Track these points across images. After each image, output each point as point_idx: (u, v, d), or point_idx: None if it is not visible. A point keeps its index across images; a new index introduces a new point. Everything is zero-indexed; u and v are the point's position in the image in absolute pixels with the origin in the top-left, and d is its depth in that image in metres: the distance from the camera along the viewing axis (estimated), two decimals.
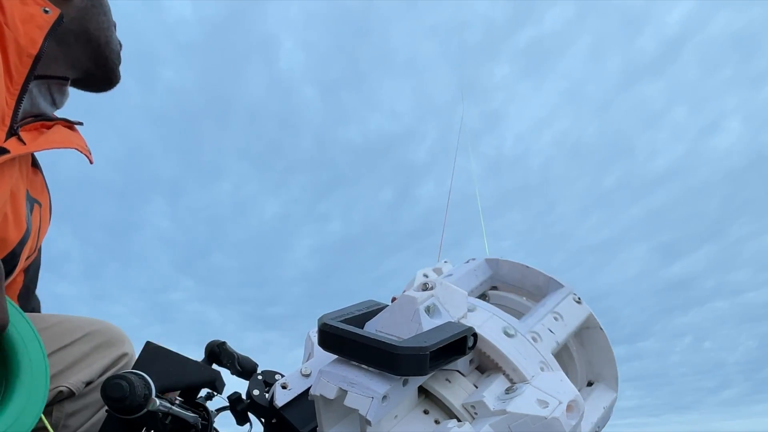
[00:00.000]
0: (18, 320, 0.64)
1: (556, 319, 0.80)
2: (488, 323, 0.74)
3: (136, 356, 0.83)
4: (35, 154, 1.01)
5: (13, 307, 0.64)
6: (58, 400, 0.93)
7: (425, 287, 0.72)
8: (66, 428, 0.96)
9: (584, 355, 0.89)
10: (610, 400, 0.84)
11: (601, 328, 0.86)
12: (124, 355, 1.05)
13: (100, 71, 1.06)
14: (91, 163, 1.04)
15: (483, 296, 0.95)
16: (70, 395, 0.94)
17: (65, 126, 1.00)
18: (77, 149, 0.98)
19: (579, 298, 0.86)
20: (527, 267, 0.93)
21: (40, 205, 0.99)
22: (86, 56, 1.01)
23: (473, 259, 0.98)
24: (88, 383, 0.98)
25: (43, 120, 0.96)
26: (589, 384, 0.88)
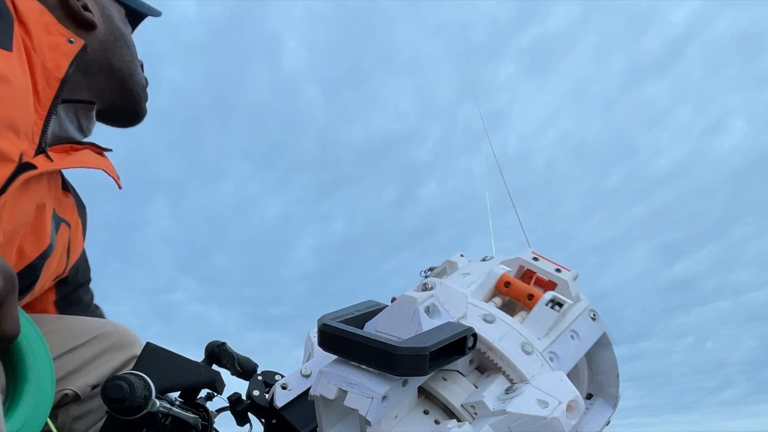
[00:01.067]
0: (26, 327, 0.65)
1: (572, 337, 0.79)
2: (507, 338, 0.74)
3: None
4: (66, 177, 1.03)
5: (22, 315, 0.65)
6: (63, 403, 0.93)
7: (425, 287, 0.72)
8: None
9: (590, 368, 0.89)
10: (606, 416, 0.84)
11: (612, 348, 0.85)
12: (135, 357, 1.04)
13: (125, 103, 1.08)
14: (119, 188, 1.06)
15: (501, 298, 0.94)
16: (76, 399, 0.94)
17: (94, 151, 1.02)
18: (105, 171, 1.00)
19: (595, 315, 0.85)
20: (544, 270, 0.92)
21: (68, 225, 1.00)
22: (110, 87, 1.03)
23: (490, 258, 0.97)
24: (95, 386, 0.97)
25: (72, 143, 0.98)
26: (589, 396, 0.88)
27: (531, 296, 0.80)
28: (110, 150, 1.08)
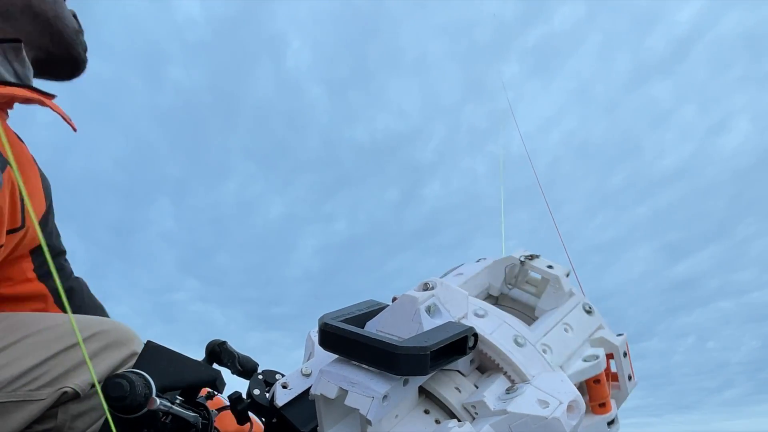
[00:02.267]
0: None
1: (566, 330, 0.79)
2: (498, 331, 0.73)
3: None
4: (20, 134, 0.99)
5: None
6: (62, 401, 0.92)
7: (426, 287, 0.72)
8: (72, 430, 0.95)
9: (533, 293, 0.89)
10: (572, 300, 0.84)
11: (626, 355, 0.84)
12: (134, 354, 1.02)
13: (58, 49, 1.05)
14: (74, 130, 1.02)
15: (494, 298, 0.94)
16: (75, 396, 0.93)
17: (39, 94, 0.98)
18: (54, 109, 0.96)
19: (590, 307, 0.85)
20: (546, 271, 0.92)
21: (11, 167, 0.95)
22: (37, 31, 1.01)
23: (483, 259, 0.97)
24: (94, 385, 0.96)
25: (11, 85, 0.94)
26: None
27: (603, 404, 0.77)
28: (54, 96, 1.04)
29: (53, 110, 0.96)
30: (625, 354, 0.82)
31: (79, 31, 1.11)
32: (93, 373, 0.83)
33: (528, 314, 0.89)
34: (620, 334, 0.84)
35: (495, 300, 0.94)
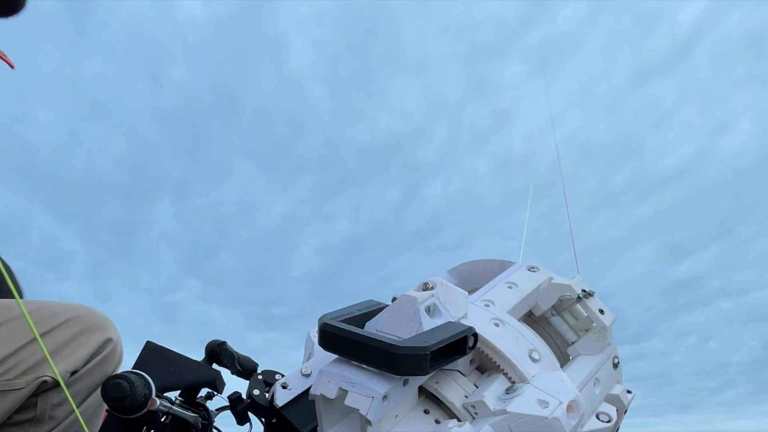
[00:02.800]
0: None
1: (510, 287, 0.80)
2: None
3: (122, 341, 0.80)
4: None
5: None
6: (42, 390, 0.90)
7: (425, 287, 0.72)
8: (52, 419, 0.93)
9: (572, 326, 0.89)
10: (606, 351, 0.84)
11: (567, 284, 0.85)
12: (109, 340, 0.98)
13: None
14: (11, 67, 0.96)
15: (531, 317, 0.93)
16: (55, 386, 0.91)
17: None
18: None
19: (534, 267, 0.85)
20: (483, 260, 0.94)
21: None
22: None
23: (535, 269, 0.94)
24: (73, 372, 0.95)
25: None
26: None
27: None
28: None
29: None
30: (625, 411, 0.83)
31: None
32: (55, 368, 0.80)
33: (560, 345, 0.88)
34: (629, 391, 0.85)
35: (532, 319, 0.92)
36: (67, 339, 0.93)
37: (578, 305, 0.85)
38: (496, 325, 0.74)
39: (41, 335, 0.89)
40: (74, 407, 0.73)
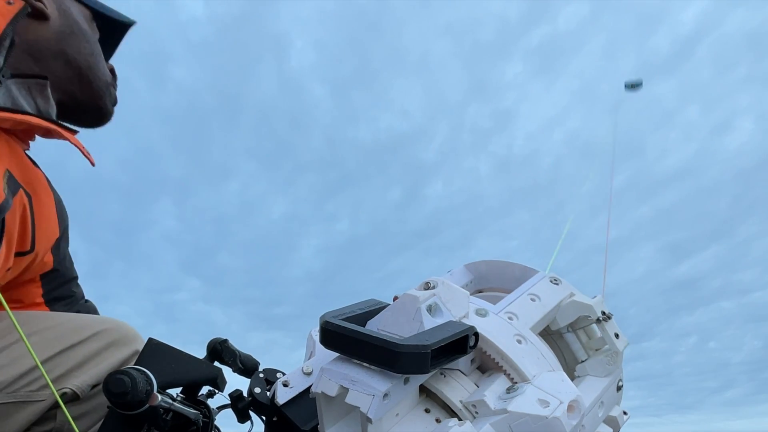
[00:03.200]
0: None
1: (533, 300, 0.79)
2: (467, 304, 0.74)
3: None
4: (34, 158, 1.00)
5: None
6: (63, 402, 0.91)
7: (427, 286, 0.72)
8: None
9: (585, 345, 0.88)
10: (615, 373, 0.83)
11: (587, 305, 0.84)
12: (135, 353, 1.00)
13: (86, 97, 1.06)
14: (92, 164, 1.03)
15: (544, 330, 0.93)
16: (75, 398, 0.92)
17: (62, 128, 0.99)
18: (76, 145, 0.96)
19: (557, 280, 0.85)
20: (504, 262, 0.93)
21: (29, 196, 0.93)
22: (67, 76, 1.01)
23: (557, 282, 0.93)
24: (95, 386, 0.95)
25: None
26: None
27: None
28: (77, 131, 1.05)
29: (73, 143, 0.96)
30: None
31: (112, 85, 1.12)
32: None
33: (569, 362, 0.88)
34: (626, 412, 0.85)
35: (546, 332, 0.91)
36: (95, 352, 0.95)
37: (595, 325, 0.84)
38: (519, 342, 0.73)
39: (69, 347, 0.92)
40: (72, 423, 0.74)
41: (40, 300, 1.04)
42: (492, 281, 0.95)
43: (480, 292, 0.98)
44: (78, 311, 1.16)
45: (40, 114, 0.99)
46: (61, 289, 1.10)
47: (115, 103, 1.14)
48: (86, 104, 1.08)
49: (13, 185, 0.85)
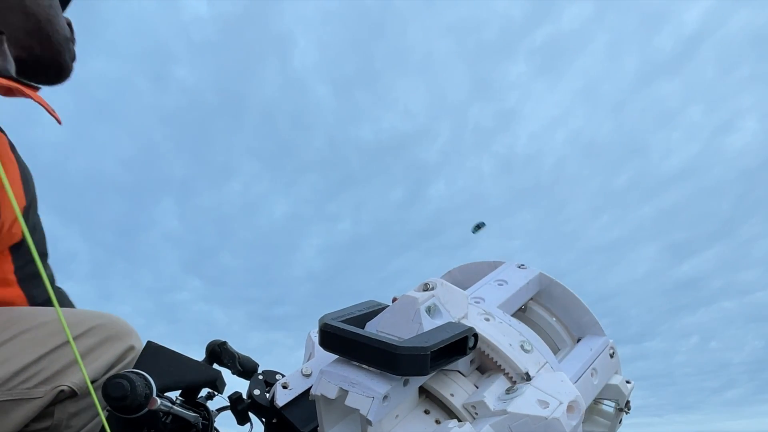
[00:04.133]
0: None
1: (500, 284, 0.81)
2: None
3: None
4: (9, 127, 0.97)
5: None
6: (59, 399, 0.91)
7: (426, 287, 0.72)
8: (69, 428, 0.93)
9: (561, 316, 0.89)
10: (599, 342, 0.84)
11: (559, 282, 0.87)
12: (131, 348, 1.00)
13: (45, 52, 1.02)
14: (59, 122, 0.98)
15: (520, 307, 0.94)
16: (73, 395, 0.92)
17: (23, 85, 0.94)
18: (36, 101, 0.92)
19: (523, 265, 0.86)
20: (475, 263, 0.94)
21: None
22: (25, 30, 0.97)
23: (524, 267, 0.95)
24: (92, 381, 0.94)
25: None
26: (579, 341, 0.88)
27: None
28: (38, 88, 1.02)
29: (36, 101, 0.92)
30: (627, 404, 0.85)
31: (70, 39, 1.07)
32: (86, 376, 0.82)
33: (548, 333, 0.90)
34: (629, 381, 0.86)
35: (524, 309, 0.94)
36: (90, 347, 0.94)
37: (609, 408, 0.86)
38: (486, 319, 0.74)
39: (64, 344, 0.90)
40: (100, 411, 0.73)
41: (12, 278, 0.99)
42: (467, 285, 0.95)
43: (536, 303, 0.97)
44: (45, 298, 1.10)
45: None
46: (33, 266, 1.02)
47: (74, 58, 1.09)
48: (45, 59, 1.03)
49: None
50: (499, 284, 0.82)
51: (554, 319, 0.90)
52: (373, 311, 0.74)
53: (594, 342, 0.84)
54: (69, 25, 1.08)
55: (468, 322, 0.70)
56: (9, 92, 0.91)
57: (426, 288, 0.72)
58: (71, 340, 0.73)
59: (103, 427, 0.73)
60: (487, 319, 0.74)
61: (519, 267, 0.86)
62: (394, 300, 0.76)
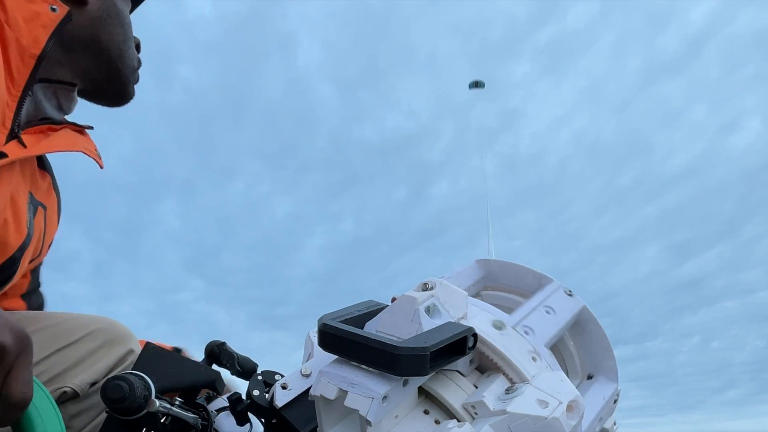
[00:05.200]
0: (38, 395, 0.58)
1: (548, 312, 0.79)
2: (477, 318, 0.73)
3: None
4: (46, 156, 1.00)
5: (35, 384, 0.58)
6: (61, 401, 0.92)
7: (425, 287, 0.72)
8: (70, 429, 0.94)
9: (582, 349, 0.88)
10: (611, 390, 0.83)
11: (597, 321, 0.85)
12: (130, 352, 1.03)
13: (111, 85, 1.04)
14: (101, 167, 1.02)
15: (476, 296, 0.93)
16: (74, 396, 0.93)
17: (74, 130, 0.98)
18: (84, 152, 0.96)
19: (570, 291, 0.84)
20: (517, 265, 0.91)
21: (44, 208, 0.96)
22: (96, 68, 0.98)
23: (570, 294, 0.94)
24: (93, 384, 0.96)
25: (50, 123, 0.93)
26: (590, 377, 0.87)
27: None
28: (91, 128, 1.04)
29: (85, 154, 0.96)
30: None
31: (136, 68, 1.08)
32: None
33: (512, 308, 0.87)
34: (615, 423, 0.85)
35: (478, 298, 0.92)
36: (91, 351, 0.96)
37: None
38: (534, 359, 0.72)
39: (65, 347, 0.92)
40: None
41: (25, 291, 1.03)
42: (502, 282, 0.94)
43: (487, 289, 0.97)
44: (40, 303, 1.14)
45: (62, 113, 0.99)
46: (37, 280, 1.09)
47: (137, 81, 1.10)
48: (110, 91, 1.05)
49: (32, 206, 0.86)
50: (547, 312, 0.80)
51: (572, 344, 0.88)
52: (373, 311, 0.74)
53: (607, 389, 0.83)
54: (137, 46, 1.08)
55: (512, 353, 0.69)
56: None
57: (425, 288, 0.72)
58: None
59: (103, 427, 0.74)
60: (534, 359, 0.72)
61: (567, 294, 0.83)
62: (394, 300, 0.76)
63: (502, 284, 0.94)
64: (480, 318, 0.73)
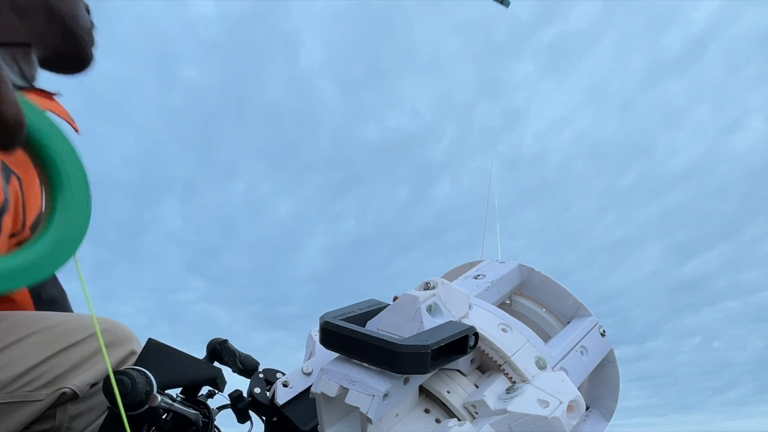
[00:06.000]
0: (35, 115, 0.53)
1: (582, 353, 0.78)
2: (480, 317, 0.73)
3: None
4: None
5: (30, 107, 0.52)
6: (61, 402, 0.92)
7: (427, 286, 0.72)
8: (70, 430, 0.95)
9: (592, 383, 0.88)
10: (588, 321, 0.84)
11: (616, 365, 0.85)
12: (132, 353, 1.01)
13: (68, 48, 1.03)
14: (77, 131, 1.01)
15: (503, 302, 0.93)
16: (74, 397, 0.92)
17: (41, 95, 0.97)
18: (56, 114, 0.94)
19: (604, 331, 0.84)
20: (560, 286, 0.90)
21: (19, 179, 0.93)
22: (51, 30, 0.99)
23: (502, 262, 0.95)
24: (93, 384, 0.96)
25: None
26: (586, 408, 0.87)
27: None
28: (59, 94, 1.04)
29: (56, 114, 0.95)
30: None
31: (91, 29, 1.09)
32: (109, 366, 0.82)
33: (540, 325, 0.89)
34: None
35: (508, 303, 0.94)
36: (92, 352, 0.95)
37: None
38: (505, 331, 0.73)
39: (67, 348, 0.91)
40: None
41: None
42: (539, 297, 0.93)
43: (520, 296, 0.96)
44: (53, 297, 1.13)
45: (25, 80, 0.97)
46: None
47: (94, 44, 1.10)
48: (68, 55, 1.05)
49: (6, 174, 0.85)
50: (581, 353, 0.80)
51: (543, 309, 0.89)
52: (374, 310, 0.74)
53: (580, 322, 0.84)
54: (87, 10, 1.08)
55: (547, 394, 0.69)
56: None
57: (427, 287, 0.72)
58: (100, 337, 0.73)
59: (104, 424, 0.74)
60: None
61: (600, 334, 0.84)
62: (395, 299, 0.76)
63: (538, 298, 0.94)
64: (483, 318, 0.73)
